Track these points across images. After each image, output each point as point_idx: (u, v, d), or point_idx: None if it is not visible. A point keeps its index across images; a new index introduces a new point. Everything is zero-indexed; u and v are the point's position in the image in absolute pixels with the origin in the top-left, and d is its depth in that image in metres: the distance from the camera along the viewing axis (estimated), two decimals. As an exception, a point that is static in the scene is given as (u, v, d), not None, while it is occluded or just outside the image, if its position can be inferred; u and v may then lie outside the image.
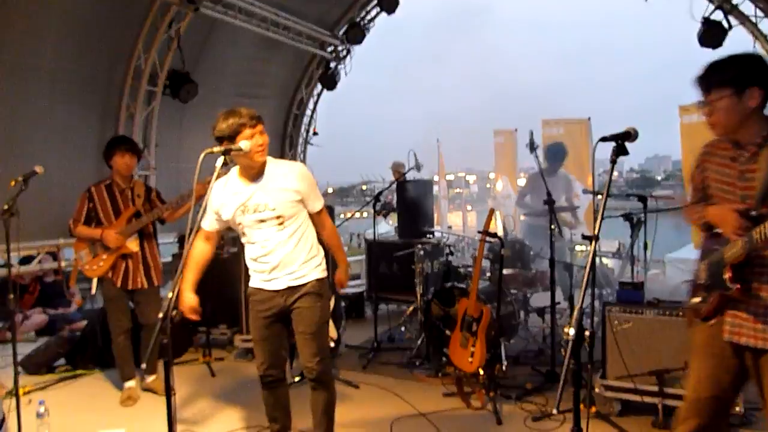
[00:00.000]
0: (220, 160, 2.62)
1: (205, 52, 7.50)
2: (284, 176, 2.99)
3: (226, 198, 2.99)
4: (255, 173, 2.97)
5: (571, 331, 1.86)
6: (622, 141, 2.11)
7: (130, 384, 4.28)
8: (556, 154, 6.24)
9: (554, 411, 3.52)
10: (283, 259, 2.99)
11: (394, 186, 7.14)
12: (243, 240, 3.10)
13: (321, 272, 3.12)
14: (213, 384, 4.71)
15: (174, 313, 2.44)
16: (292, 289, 3.02)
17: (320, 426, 3.16)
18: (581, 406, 3.66)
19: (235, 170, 3.04)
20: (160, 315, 2.19)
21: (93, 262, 4.19)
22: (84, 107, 6.38)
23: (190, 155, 7.49)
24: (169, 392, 2.19)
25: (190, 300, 3.03)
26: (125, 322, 4.28)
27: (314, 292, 3.06)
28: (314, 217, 3.15)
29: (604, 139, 2.12)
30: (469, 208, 16.74)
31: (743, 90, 2.15)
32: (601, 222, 2.21)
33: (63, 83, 6.01)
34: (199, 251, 3.12)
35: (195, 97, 6.93)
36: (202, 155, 2.45)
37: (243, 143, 2.75)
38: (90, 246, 4.20)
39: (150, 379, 4.42)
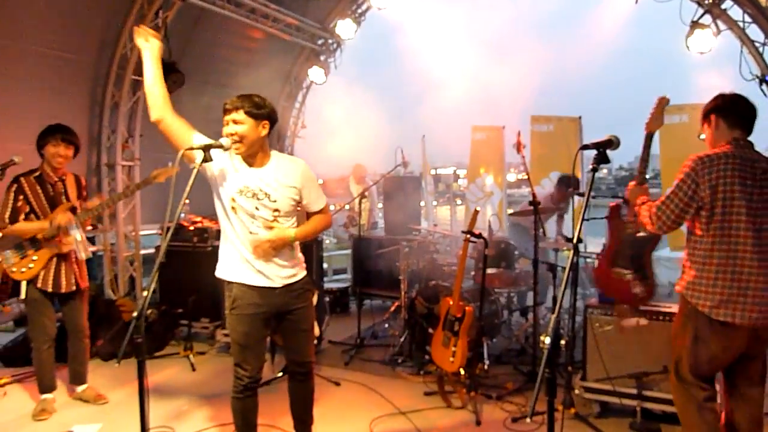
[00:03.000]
0: (200, 157, 2.57)
1: (192, 42, 7.39)
2: (289, 172, 2.90)
3: (229, 171, 2.82)
4: (256, 160, 2.85)
5: (547, 340, 1.85)
6: (603, 149, 2.10)
7: (48, 396, 3.94)
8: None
9: (528, 420, 3.55)
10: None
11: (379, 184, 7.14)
12: (226, 220, 2.87)
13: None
14: (193, 378, 4.68)
15: (149, 311, 2.42)
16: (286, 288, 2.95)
17: None
18: (560, 407, 3.72)
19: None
20: (135, 313, 2.16)
21: (21, 263, 3.76)
22: (69, 96, 6.26)
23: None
24: (142, 390, 2.17)
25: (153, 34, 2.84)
26: (52, 328, 3.90)
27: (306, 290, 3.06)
28: (313, 214, 3.09)
29: (585, 147, 2.09)
30: (459, 202, 16.66)
31: None
32: (581, 226, 2.20)
33: (47, 71, 5.89)
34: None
35: (181, 88, 6.84)
36: (180, 153, 2.42)
37: (223, 140, 2.72)
38: (15, 247, 3.77)
39: (80, 389, 4.11)
